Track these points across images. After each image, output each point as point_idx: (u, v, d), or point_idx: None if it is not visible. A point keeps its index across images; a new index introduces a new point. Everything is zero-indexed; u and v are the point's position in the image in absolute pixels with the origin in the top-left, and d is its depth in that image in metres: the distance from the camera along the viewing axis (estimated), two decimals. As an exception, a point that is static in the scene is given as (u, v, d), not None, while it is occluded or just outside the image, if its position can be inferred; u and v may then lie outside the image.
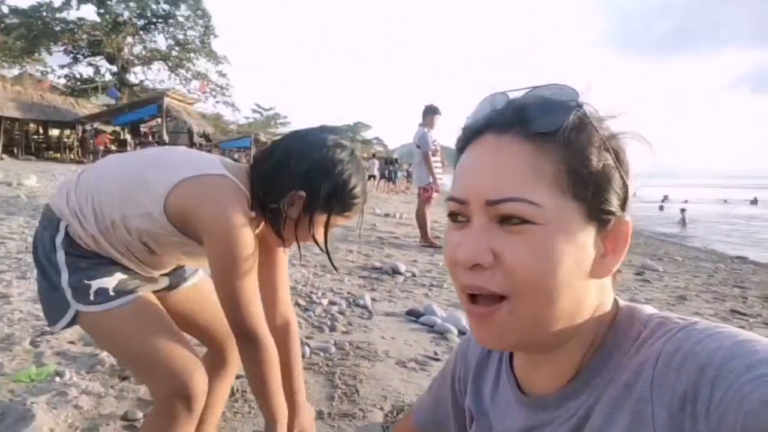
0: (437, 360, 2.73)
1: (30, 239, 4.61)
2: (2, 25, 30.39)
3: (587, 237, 0.57)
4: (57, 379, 2.02)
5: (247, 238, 1.15)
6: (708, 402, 0.47)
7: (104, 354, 2.30)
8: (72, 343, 2.44)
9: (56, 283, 1.19)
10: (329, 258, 1.33)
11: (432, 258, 6.09)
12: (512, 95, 0.62)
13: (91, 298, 1.17)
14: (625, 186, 0.59)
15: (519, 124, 0.58)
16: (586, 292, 0.59)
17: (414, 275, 4.92)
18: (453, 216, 0.63)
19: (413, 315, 3.54)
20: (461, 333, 3.24)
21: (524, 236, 0.56)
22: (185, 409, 1.16)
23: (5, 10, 32.33)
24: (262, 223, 1.30)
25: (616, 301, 0.64)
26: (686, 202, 29.01)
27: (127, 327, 1.19)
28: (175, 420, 1.15)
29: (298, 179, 1.21)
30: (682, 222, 18.87)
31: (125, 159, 1.38)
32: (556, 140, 0.57)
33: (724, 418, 0.45)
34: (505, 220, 0.57)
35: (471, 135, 0.63)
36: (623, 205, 0.59)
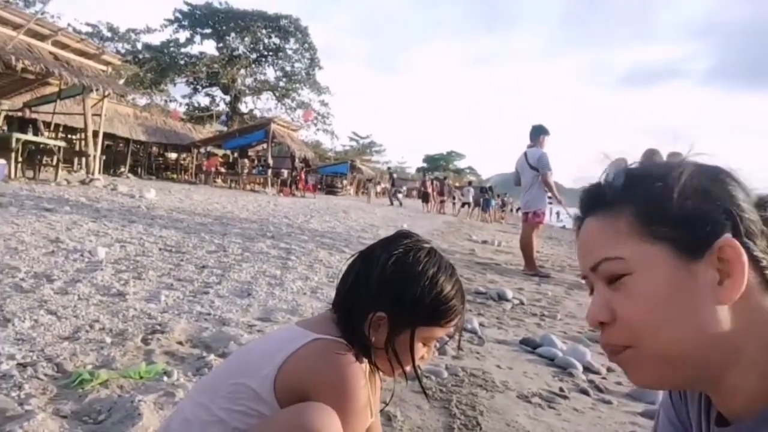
0: (565, 398, 2.38)
1: (148, 244, 4.83)
2: (136, 59, 34.02)
3: (686, 271, 0.60)
4: (165, 378, 1.93)
5: (363, 392, 1.01)
6: None
7: (211, 357, 2.21)
8: (180, 343, 2.39)
9: None
10: (421, 384, 1.20)
11: (539, 287, 5.66)
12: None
13: None
14: (725, 211, 0.60)
15: (596, 202, 0.69)
16: (713, 319, 0.59)
17: (522, 303, 4.56)
18: (590, 289, 0.71)
19: (528, 345, 3.20)
20: (586, 369, 2.85)
21: (624, 289, 0.63)
22: None
23: (140, 46, 36.34)
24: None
25: None
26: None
27: None
28: None
29: (375, 300, 1.05)
30: None
31: (215, 373, 1.18)
32: (623, 200, 0.65)
33: None
34: (610, 279, 0.65)
35: (579, 225, 0.73)
36: (722, 230, 0.60)
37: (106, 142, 19.68)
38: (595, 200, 0.69)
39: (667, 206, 0.61)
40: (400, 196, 25.52)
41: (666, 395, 0.82)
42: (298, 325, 1.15)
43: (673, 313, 0.60)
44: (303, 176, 25.24)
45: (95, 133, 13.09)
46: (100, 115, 13.46)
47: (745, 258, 0.59)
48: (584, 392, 2.51)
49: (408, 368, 1.10)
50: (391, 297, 1.05)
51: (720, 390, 0.64)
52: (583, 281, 0.72)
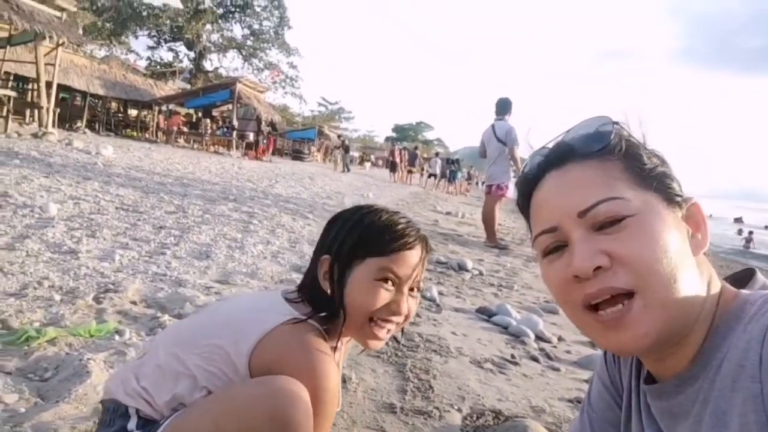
0: (516, 364, 2.46)
1: (103, 203, 4.68)
2: (94, 7, 32.17)
3: (675, 220, 0.63)
4: (116, 337, 1.90)
5: (334, 377, 1.01)
6: None
7: (166, 318, 2.18)
8: (134, 303, 2.34)
9: None
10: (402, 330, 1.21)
11: (498, 259, 5.78)
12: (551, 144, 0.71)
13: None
14: (676, 179, 0.66)
15: (572, 154, 0.67)
16: (696, 270, 0.62)
17: (481, 274, 4.65)
18: (547, 251, 0.67)
19: (484, 313, 3.28)
20: (538, 338, 2.95)
21: (626, 231, 0.61)
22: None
23: (98, -8, 34.32)
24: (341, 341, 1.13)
25: (725, 287, 0.66)
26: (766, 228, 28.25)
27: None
28: None
29: (320, 249, 1.11)
30: (746, 242, 20.30)
31: (190, 327, 1.16)
32: (610, 152, 0.65)
33: None
34: (603, 223, 0.62)
35: (532, 183, 0.71)
36: (681, 191, 0.65)
37: (61, 95, 18.75)
38: (576, 150, 0.67)
39: (644, 161, 0.65)
40: (349, 162, 25.11)
41: (602, 360, 0.86)
42: (283, 294, 1.12)
43: (675, 255, 0.60)
44: (272, 142, 24.77)
45: (48, 84, 12.41)
46: (54, 65, 12.73)
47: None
48: (534, 359, 2.60)
49: (360, 315, 1.06)
50: (331, 239, 1.09)
51: (671, 351, 0.64)
52: (545, 237, 0.67)
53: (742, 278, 0.71)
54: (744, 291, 0.65)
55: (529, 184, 0.71)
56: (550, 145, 0.71)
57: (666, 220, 0.62)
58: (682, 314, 0.60)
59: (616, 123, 0.67)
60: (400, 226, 1.08)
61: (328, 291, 1.07)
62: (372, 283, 1.04)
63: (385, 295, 1.05)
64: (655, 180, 0.64)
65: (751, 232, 21.61)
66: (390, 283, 1.05)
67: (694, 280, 0.61)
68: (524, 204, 0.73)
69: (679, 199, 0.65)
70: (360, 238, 1.06)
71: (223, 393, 0.98)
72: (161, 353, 1.06)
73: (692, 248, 0.64)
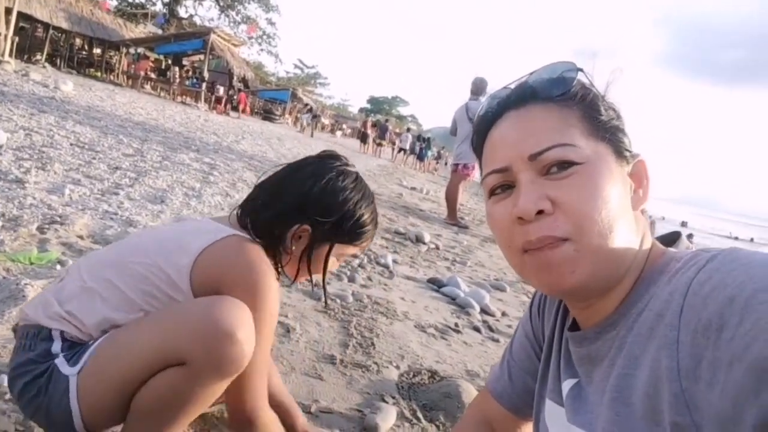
0: (458, 332, 2.54)
1: (58, 137, 4.50)
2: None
3: (621, 173, 0.65)
4: (58, 267, 1.86)
5: (274, 293, 1.04)
6: (734, 331, 0.47)
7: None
8: (81, 237, 2.28)
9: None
10: (325, 293, 1.33)
11: (456, 236, 5.88)
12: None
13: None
14: (627, 135, 0.68)
15: (534, 96, 0.67)
16: (633, 224, 0.64)
17: (438, 247, 4.72)
18: (494, 190, 0.68)
19: (435, 284, 3.35)
20: (483, 311, 3.05)
21: (572, 178, 0.61)
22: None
23: None
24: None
25: (656, 244, 0.68)
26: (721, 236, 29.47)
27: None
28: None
29: (302, 212, 1.12)
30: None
31: (115, 251, 1.12)
32: (571, 98, 0.65)
33: (750, 347, 0.46)
34: (551, 168, 0.62)
35: (490, 120, 0.70)
36: (631, 147, 0.67)
37: (20, 24, 17.67)
38: (539, 91, 0.67)
39: (602, 113, 0.66)
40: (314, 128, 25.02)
41: (527, 313, 0.90)
42: (211, 219, 1.16)
43: (615, 206, 0.61)
44: (244, 97, 24.13)
45: (8, 11, 11.71)
46: (15, -10, 12.00)
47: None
48: (476, 330, 2.68)
49: (315, 277, 1.17)
50: (318, 213, 1.11)
51: (597, 299, 0.66)
52: (494, 176, 0.68)
53: (668, 241, 0.74)
54: (671, 249, 0.68)
55: (486, 122, 0.71)
56: (513, 86, 0.70)
57: (612, 172, 0.63)
58: (612, 264, 0.62)
59: (580, 70, 0.67)
60: (374, 223, 1.20)
61: (291, 248, 1.13)
62: (333, 260, 1.18)
63: (335, 266, 1.21)
64: (608, 132, 0.65)
65: (690, 235, 22.81)
66: (342, 260, 1.22)
67: (628, 233, 0.63)
68: (479, 142, 0.73)
69: (627, 154, 0.66)
70: (344, 228, 1.14)
71: (157, 313, 0.98)
72: (86, 277, 1.03)
73: (633, 203, 0.65)
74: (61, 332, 0.99)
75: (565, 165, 0.62)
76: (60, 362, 0.96)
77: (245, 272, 1.01)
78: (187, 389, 0.93)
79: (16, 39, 13.40)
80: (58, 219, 2.39)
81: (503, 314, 3.12)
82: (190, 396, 0.93)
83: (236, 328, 0.92)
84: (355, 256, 1.25)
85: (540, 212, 0.61)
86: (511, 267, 0.70)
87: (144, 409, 0.94)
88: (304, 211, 1.11)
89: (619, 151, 0.65)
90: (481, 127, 0.72)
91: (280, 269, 1.16)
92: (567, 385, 0.73)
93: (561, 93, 0.65)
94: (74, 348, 0.98)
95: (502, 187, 0.67)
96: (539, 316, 0.86)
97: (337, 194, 1.13)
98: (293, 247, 1.13)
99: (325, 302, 1.24)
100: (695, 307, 0.53)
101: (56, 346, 0.98)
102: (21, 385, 0.97)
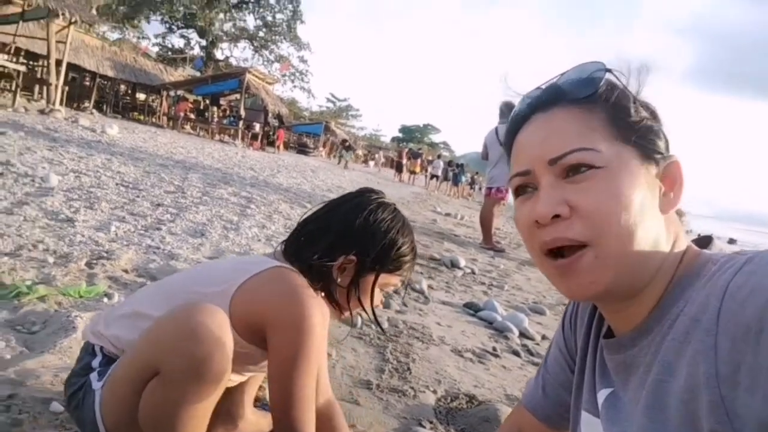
0: (496, 356, 2.50)
1: (104, 178, 4.73)
2: (109, -11, 32.25)
3: (647, 176, 0.63)
4: (105, 300, 1.95)
5: (321, 327, 1.05)
6: None
7: (155, 286, 2.23)
8: (126, 271, 2.38)
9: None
10: (377, 323, 1.32)
11: (492, 260, 5.82)
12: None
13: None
14: (664, 135, 0.66)
15: (560, 98, 0.66)
16: (659, 228, 0.63)
17: (473, 272, 4.69)
18: (519, 191, 0.69)
19: (471, 308, 3.32)
20: (522, 335, 2.99)
21: (592, 182, 0.61)
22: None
23: (112, -25, 34.39)
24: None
25: (691, 246, 0.66)
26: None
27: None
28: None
29: (347, 244, 1.16)
30: None
31: (163, 284, 1.21)
32: (596, 100, 0.64)
33: None
34: (571, 172, 0.62)
35: (520, 122, 0.70)
36: (667, 149, 0.66)
37: (70, 74, 18.81)
38: (564, 94, 0.66)
39: (630, 114, 0.64)
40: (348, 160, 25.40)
41: (560, 326, 0.89)
42: (258, 255, 1.22)
43: (635, 211, 0.60)
44: (282, 134, 24.87)
45: (59, 62, 12.49)
46: (65, 43, 12.80)
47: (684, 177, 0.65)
48: (516, 354, 2.64)
49: (359, 309, 1.21)
50: (362, 243, 1.16)
51: (628, 304, 0.65)
52: (518, 179, 0.68)
53: (701, 244, 0.72)
54: (707, 251, 0.66)
55: (516, 124, 0.71)
56: (544, 86, 0.70)
57: (635, 176, 0.62)
58: (634, 268, 0.61)
59: (609, 70, 0.66)
60: (413, 252, 1.25)
61: (338, 280, 1.17)
62: (377, 291, 1.21)
63: (380, 299, 1.24)
64: (637, 133, 0.63)
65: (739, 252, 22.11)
66: (386, 290, 1.26)
67: (653, 236, 0.62)
68: (508, 143, 0.73)
69: (657, 155, 0.64)
70: (387, 257, 1.18)
71: (153, 324, 1.00)
72: (136, 302, 1.12)
73: (662, 206, 0.64)
74: (101, 348, 1.07)
75: (583, 169, 0.62)
76: (93, 376, 1.04)
77: (286, 301, 1.04)
78: (168, 398, 0.92)
79: (66, 88, 14.25)
80: (105, 254, 2.50)
81: (543, 338, 3.06)
82: (174, 406, 0.92)
83: (199, 326, 0.91)
84: (396, 289, 1.29)
85: (556, 216, 0.62)
86: (537, 267, 0.70)
87: (145, 423, 0.95)
88: (349, 243, 1.16)
89: (646, 153, 0.64)
90: (512, 128, 0.72)
91: (333, 303, 1.20)
92: (602, 395, 0.72)
93: (587, 95, 0.65)
94: (109, 363, 1.05)
95: (527, 187, 0.68)
96: (571, 327, 0.86)
97: (379, 224, 1.18)
98: (339, 280, 1.17)
99: (381, 329, 1.29)
100: (733, 312, 0.52)
101: (96, 361, 1.06)
102: (68, 397, 1.05)
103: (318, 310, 1.05)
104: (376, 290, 1.20)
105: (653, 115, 0.67)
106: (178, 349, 0.90)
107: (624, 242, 0.60)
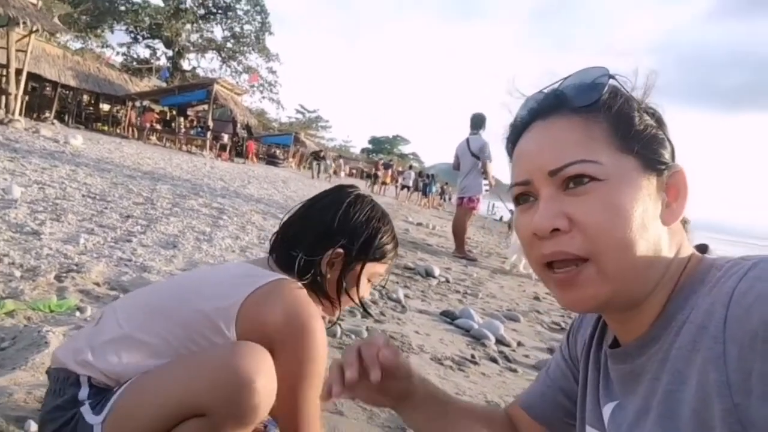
0: (475, 363, 2.52)
1: (70, 189, 4.59)
2: (71, -2, 31.49)
3: (649, 187, 0.61)
4: (77, 314, 1.88)
5: (322, 333, 1.06)
6: None
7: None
8: (97, 284, 2.31)
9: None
10: (365, 309, 1.35)
11: (465, 269, 5.87)
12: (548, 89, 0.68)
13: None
14: (670, 142, 0.64)
15: (561, 105, 0.64)
16: (661, 239, 0.61)
17: (448, 281, 4.72)
18: (519, 200, 0.67)
19: (448, 316, 3.34)
20: (498, 342, 3.02)
21: (591, 195, 0.59)
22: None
23: (75, -17, 33.61)
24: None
25: (694, 253, 0.65)
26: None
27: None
28: None
29: (332, 238, 1.17)
30: None
31: (150, 301, 1.14)
32: (598, 109, 0.62)
33: None
34: (572, 183, 0.61)
35: (520, 129, 0.68)
36: (672, 158, 0.64)
37: (30, 84, 18.26)
38: (566, 100, 0.64)
39: (633, 123, 0.62)
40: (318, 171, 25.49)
41: (565, 336, 0.89)
42: (248, 263, 1.20)
43: (636, 225, 0.59)
44: (252, 145, 24.66)
45: (18, 71, 12.12)
46: (25, 52, 12.45)
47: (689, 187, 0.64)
48: (494, 360, 2.66)
49: (350, 303, 1.24)
50: (346, 236, 1.18)
51: (632, 314, 0.64)
52: (518, 188, 0.67)
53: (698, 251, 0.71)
54: (709, 256, 0.65)
55: (517, 131, 0.69)
56: (546, 91, 0.68)
57: (636, 187, 0.60)
58: (635, 281, 0.60)
59: (612, 77, 0.64)
60: (395, 240, 1.28)
61: (327, 276, 1.17)
62: (364, 282, 1.23)
63: (368, 290, 1.26)
64: (640, 143, 0.62)
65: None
66: (373, 280, 1.28)
67: (655, 247, 0.61)
68: (509, 149, 0.71)
69: (661, 166, 0.63)
70: (371, 245, 1.20)
71: (179, 360, 0.98)
72: (123, 322, 1.03)
73: (665, 216, 0.62)
74: (89, 378, 0.98)
75: (584, 181, 0.60)
76: (85, 410, 0.96)
77: (291, 317, 1.02)
78: None
79: (26, 98, 13.82)
80: (75, 267, 2.43)
81: (519, 344, 3.10)
82: None
83: (255, 376, 0.91)
84: (376, 286, 1.29)
85: (555, 230, 0.61)
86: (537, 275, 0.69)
87: None
88: (333, 237, 1.17)
89: (649, 164, 0.62)
90: (512, 135, 0.71)
91: (323, 301, 1.20)
92: (608, 409, 0.71)
93: (589, 103, 0.63)
94: (100, 394, 0.98)
95: (528, 196, 0.66)
96: (573, 339, 0.86)
97: (361, 215, 1.20)
98: (328, 275, 1.18)
99: (367, 313, 1.30)
100: (739, 318, 0.51)
101: (83, 393, 0.98)
102: None
103: (321, 324, 1.06)
104: (365, 281, 1.23)
105: (659, 122, 0.65)
106: (233, 397, 0.91)
107: (625, 256, 0.59)
